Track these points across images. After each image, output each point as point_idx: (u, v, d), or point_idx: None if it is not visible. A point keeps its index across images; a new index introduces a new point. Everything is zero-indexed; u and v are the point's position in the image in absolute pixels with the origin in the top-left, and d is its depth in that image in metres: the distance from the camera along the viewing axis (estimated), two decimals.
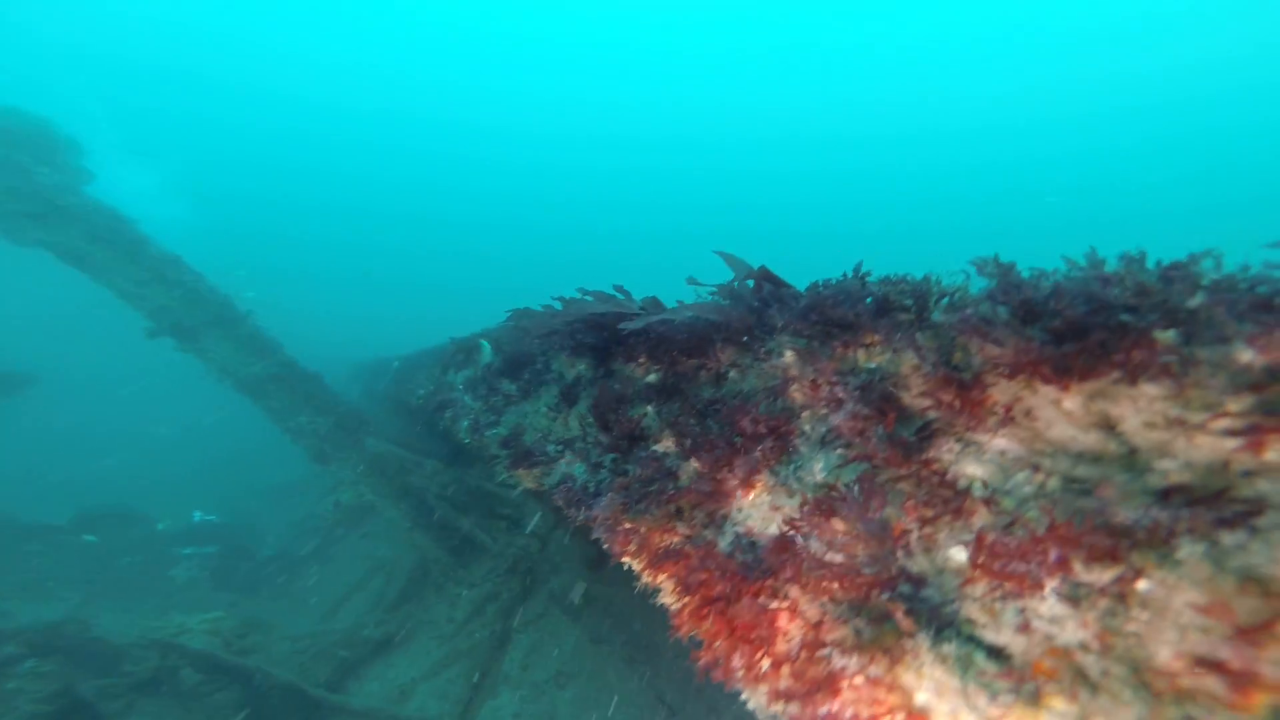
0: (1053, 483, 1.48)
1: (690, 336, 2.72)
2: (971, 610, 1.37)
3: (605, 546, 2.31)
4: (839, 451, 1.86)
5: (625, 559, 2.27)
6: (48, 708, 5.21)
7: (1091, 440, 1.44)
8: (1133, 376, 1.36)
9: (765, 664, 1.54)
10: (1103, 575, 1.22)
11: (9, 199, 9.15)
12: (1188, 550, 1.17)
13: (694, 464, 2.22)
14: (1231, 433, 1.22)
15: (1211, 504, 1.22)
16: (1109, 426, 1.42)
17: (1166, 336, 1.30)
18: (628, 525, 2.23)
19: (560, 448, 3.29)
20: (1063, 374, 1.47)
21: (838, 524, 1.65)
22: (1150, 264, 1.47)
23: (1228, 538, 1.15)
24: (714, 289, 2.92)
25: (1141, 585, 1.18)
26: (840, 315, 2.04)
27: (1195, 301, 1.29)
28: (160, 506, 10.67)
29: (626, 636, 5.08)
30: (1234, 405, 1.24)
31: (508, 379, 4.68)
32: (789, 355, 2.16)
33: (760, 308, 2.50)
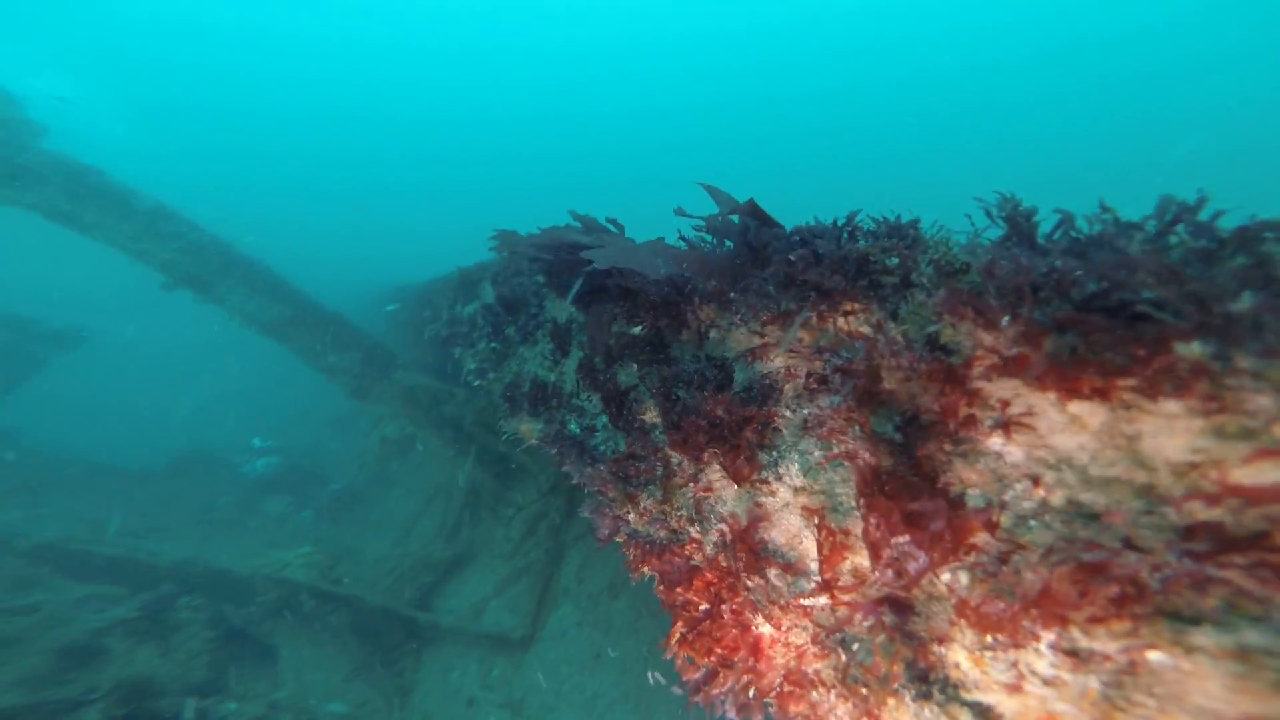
0: (1056, 499, 1.27)
1: (670, 290, 2.45)
2: (958, 656, 1.25)
3: (593, 529, 2.28)
4: (817, 452, 1.68)
5: (615, 540, 2.25)
6: (213, 633, 6.00)
7: (1103, 454, 1.21)
8: (1152, 389, 1.09)
9: (750, 692, 1.50)
10: (1108, 644, 1.06)
11: None
12: (1215, 622, 0.98)
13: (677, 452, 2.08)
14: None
15: (1248, 552, 1.01)
16: (1124, 440, 1.18)
17: (1192, 351, 1.01)
18: (616, 507, 2.17)
19: (556, 402, 3.21)
20: (1066, 382, 1.20)
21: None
22: (1184, 231, 1.13)
23: (1266, 606, 0.95)
24: (702, 221, 2.59)
25: (1154, 657, 1.02)
26: (814, 279, 1.73)
27: (1241, 306, 0.98)
28: (229, 448, 11.59)
29: None
30: None
31: (509, 321, 4.53)
32: (763, 327, 1.90)
33: (745, 255, 2.18)
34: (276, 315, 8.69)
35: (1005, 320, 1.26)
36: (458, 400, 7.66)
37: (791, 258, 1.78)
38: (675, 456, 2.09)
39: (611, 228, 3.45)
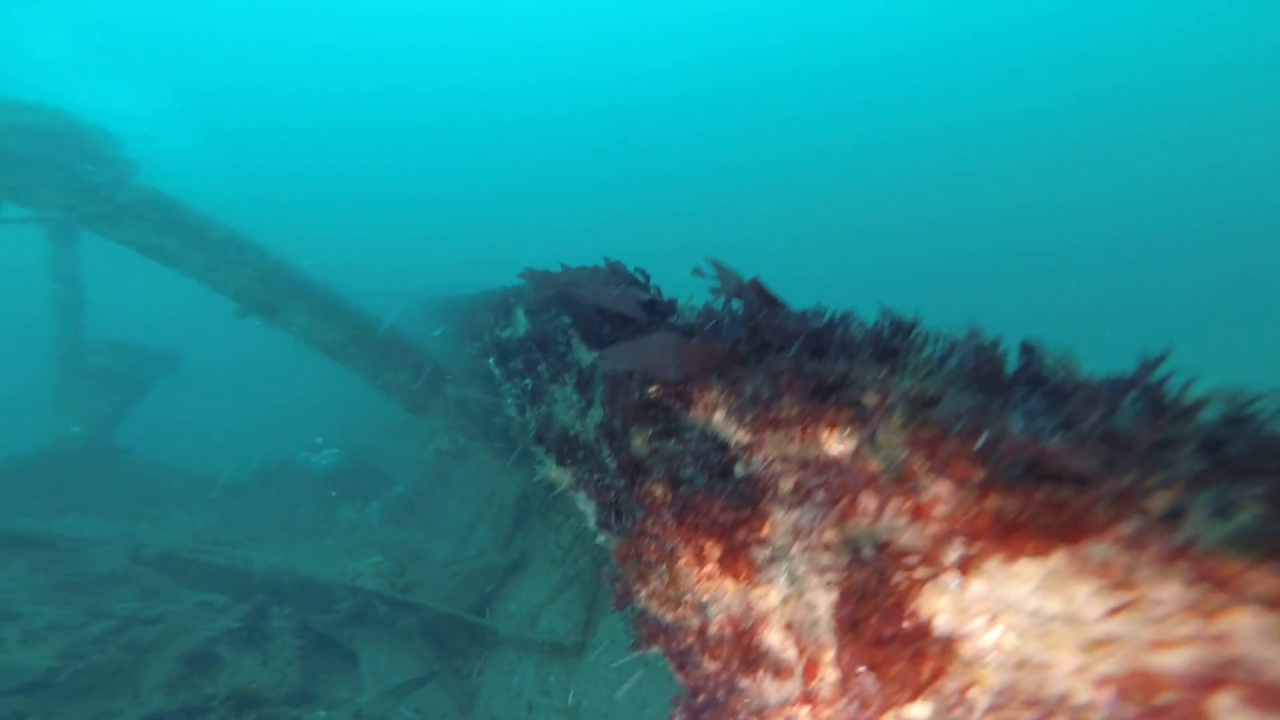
0: (1008, 641, 1.35)
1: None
2: None
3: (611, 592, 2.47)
4: (801, 563, 1.79)
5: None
6: (301, 641, 6.75)
7: (1046, 607, 1.28)
8: (1080, 567, 1.16)
9: None
10: None
11: (80, 202, 9.84)
12: None
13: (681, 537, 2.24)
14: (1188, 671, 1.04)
15: None
16: (1062, 599, 1.25)
17: (1114, 535, 1.08)
18: (628, 581, 2.36)
19: (582, 454, 3.40)
20: (1010, 541, 1.27)
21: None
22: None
23: None
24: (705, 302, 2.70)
25: None
26: (797, 394, 1.83)
27: (1160, 503, 1.04)
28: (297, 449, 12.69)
29: None
30: (1194, 626, 1.04)
31: (541, 357, 4.74)
32: (743, 435, 2.01)
33: (746, 349, 2.28)
34: (337, 336, 9.31)
35: (943, 485, 1.33)
36: (507, 412, 8.05)
37: (775, 370, 1.87)
38: (680, 544, 2.25)
39: (639, 277, 3.56)
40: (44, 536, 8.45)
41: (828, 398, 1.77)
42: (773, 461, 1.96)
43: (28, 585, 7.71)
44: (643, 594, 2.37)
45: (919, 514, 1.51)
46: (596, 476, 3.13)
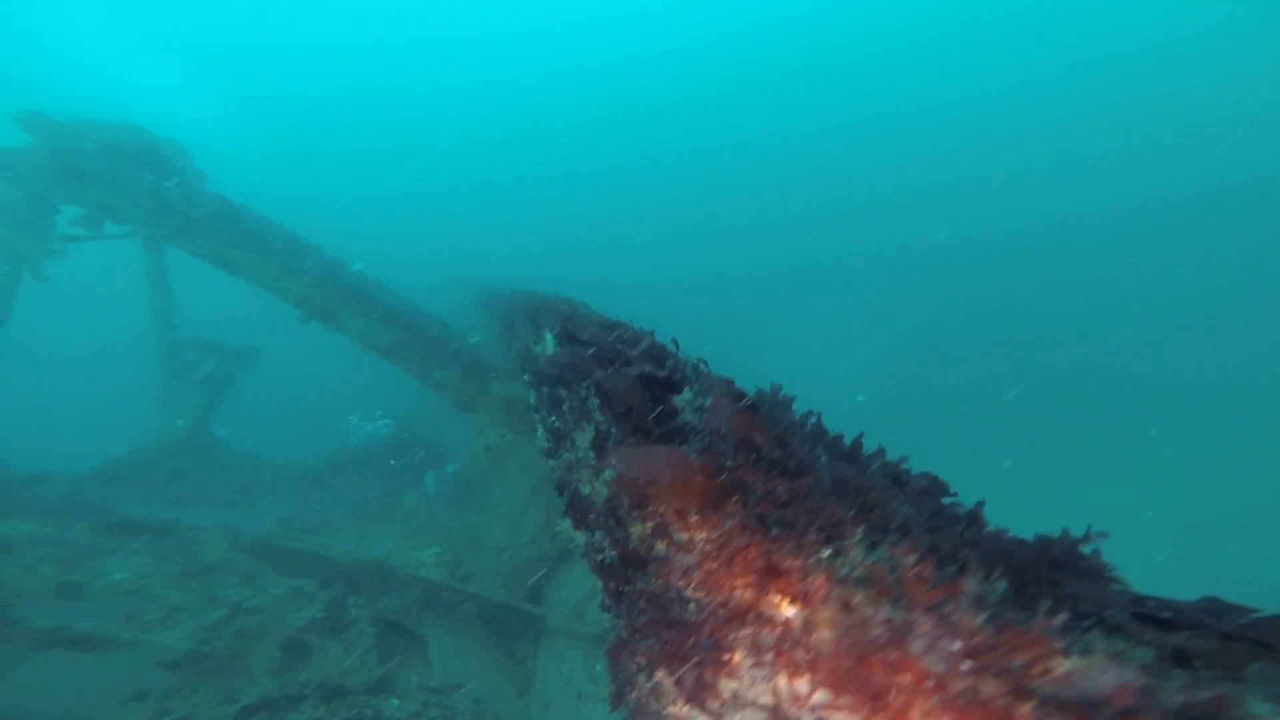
0: None
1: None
2: None
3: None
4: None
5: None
6: (375, 629, 7.64)
7: None
8: None
9: None
10: None
11: (163, 219, 10.67)
12: None
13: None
14: None
15: None
16: None
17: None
18: (620, 680, 2.59)
19: (593, 519, 3.62)
20: None
21: None
22: None
23: None
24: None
25: None
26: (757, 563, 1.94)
27: None
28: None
29: None
30: None
31: (566, 394, 4.93)
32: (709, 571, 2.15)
33: (730, 482, 2.38)
34: (389, 339, 9.87)
35: None
36: (539, 443, 8.41)
37: (725, 537, 1.99)
38: (659, 669, 2.45)
39: (671, 350, 3.62)
40: (166, 525, 9.72)
41: (777, 576, 1.88)
42: (723, 607, 2.10)
43: (158, 571, 8.97)
44: (633, 696, 2.61)
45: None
46: (599, 556, 3.35)
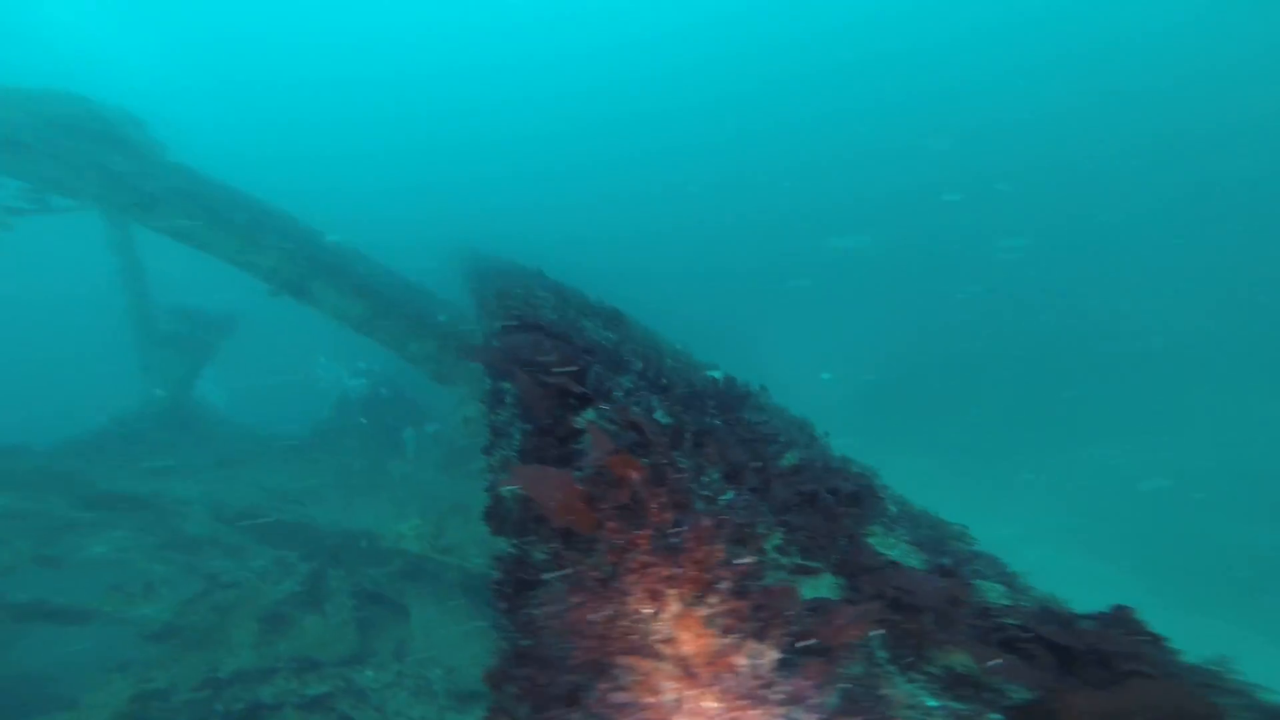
0: None
1: None
2: None
3: None
4: None
5: None
6: (354, 600, 7.77)
7: None
8: None
9: None
10: None
11: (112, 192, 10.26)
12: None
13: None
14: None
15: None
16: None
17: None
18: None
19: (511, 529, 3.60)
20: None
21: None
22: None
23: None
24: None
25: None
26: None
27: None
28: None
29: None
30: None
31: (507, 389, 4.83)
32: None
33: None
34: (363, 311, 9.73)
35: None
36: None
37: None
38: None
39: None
40: (145, 497, 9.76)
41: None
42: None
43: (139, 544, 9.05)
44: None
45: None
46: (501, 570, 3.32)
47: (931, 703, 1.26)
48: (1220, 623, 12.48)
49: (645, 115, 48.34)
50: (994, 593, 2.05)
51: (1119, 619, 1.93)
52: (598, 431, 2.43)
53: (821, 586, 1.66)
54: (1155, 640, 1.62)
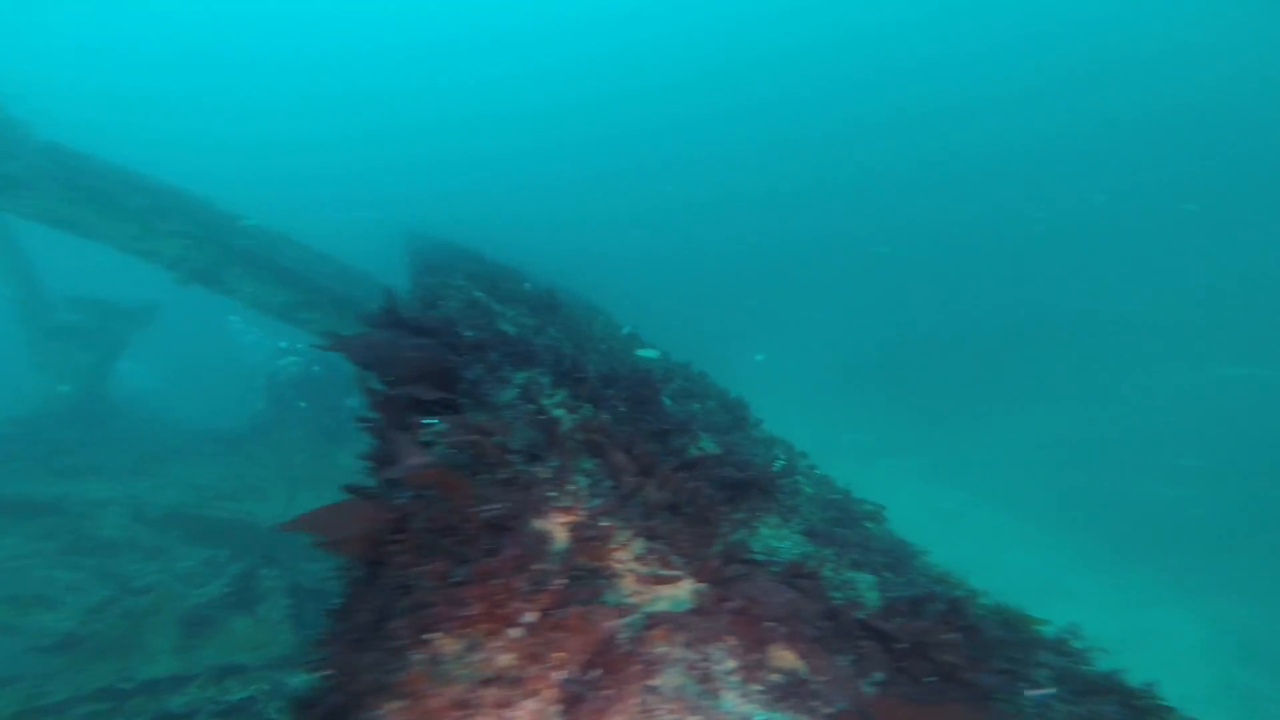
0: None
1: None
2: None
3: None
4: None
5: None
6: (290, 600, 7.46)
7: None
8: None
9: None
10: None
11: None
12: None
13: None
14: None
15: None
16: None
17: None
18: None
19: None
20: None
21: None
22: None
23: None
24: None
25: None
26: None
27: None
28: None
29: None
30: None
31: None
32: None
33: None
34: (286, 299, 9.23)
35: None
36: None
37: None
38: None
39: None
40: (48, 501, 9.13)
41: None
42: None
43: (38, 551, 8.48)
44: None
45: None
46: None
47: (760, 716, 1.26)
48: (1135, 573, 13.54)
49: (646, 116, 48.01)
50: (864, 583, 2.10)
51: (950, 613, 1.97)
52: (406, 444, 2.33)
53: (681, 595, 1.65)
54: (971, 631, 1.68)
